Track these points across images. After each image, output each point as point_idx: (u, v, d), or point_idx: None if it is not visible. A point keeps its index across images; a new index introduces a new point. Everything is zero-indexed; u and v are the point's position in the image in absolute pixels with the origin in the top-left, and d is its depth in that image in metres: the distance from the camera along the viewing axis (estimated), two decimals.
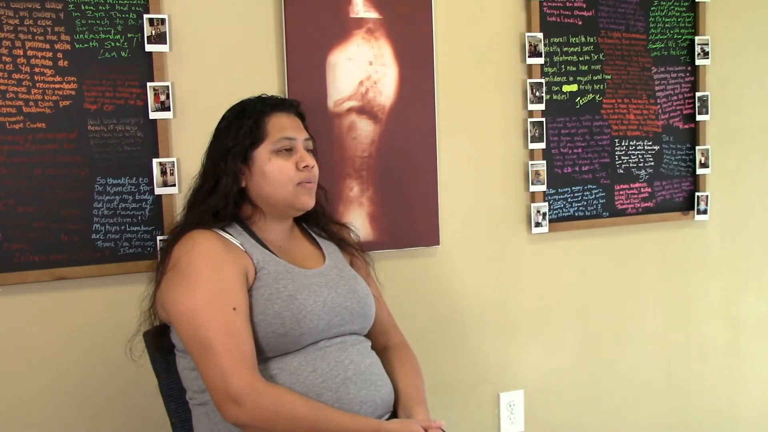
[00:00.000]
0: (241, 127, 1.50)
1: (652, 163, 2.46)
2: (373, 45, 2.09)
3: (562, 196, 2.35)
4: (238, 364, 1.32)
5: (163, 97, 1.89)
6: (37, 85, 1.81)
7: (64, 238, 1.84)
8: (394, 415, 1.53)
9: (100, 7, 1.84)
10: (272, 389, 1.34)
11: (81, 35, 1.83)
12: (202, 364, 1.35)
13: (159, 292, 1.46)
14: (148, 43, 1.87)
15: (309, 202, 1.55)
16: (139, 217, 1.90)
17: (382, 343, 1.65)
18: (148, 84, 1.88)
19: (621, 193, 2.43)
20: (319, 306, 1.45)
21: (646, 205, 2.47)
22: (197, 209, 1.51)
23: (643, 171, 2.46)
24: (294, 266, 1.49)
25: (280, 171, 1.49)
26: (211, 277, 1.38)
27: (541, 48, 2.27)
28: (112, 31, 1.86)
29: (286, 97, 1.95)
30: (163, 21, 1.88)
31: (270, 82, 2.00)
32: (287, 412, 1.32)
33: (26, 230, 1.81)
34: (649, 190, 2.47)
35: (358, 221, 2.08)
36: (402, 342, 1.68)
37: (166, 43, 1.89)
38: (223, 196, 1.49)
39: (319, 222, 1.66)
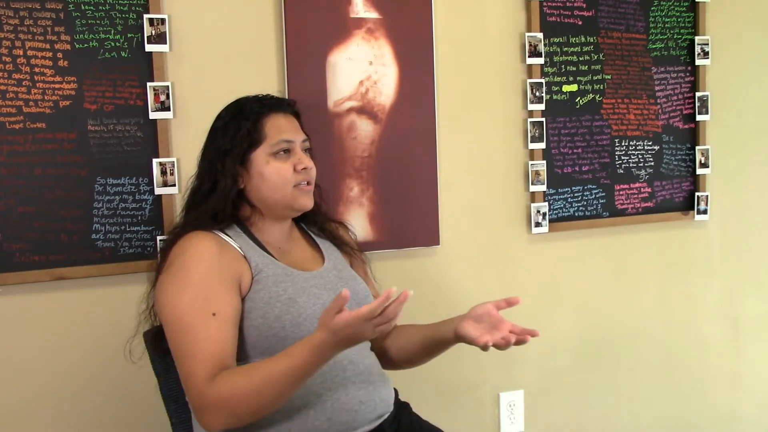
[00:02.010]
0: (239, 129, 1.50)
1: (652, 163, 2.46)
2: (373, 45, 2.09)
3: (562, 196, 2.35)
4: (197, 370, 1.30)
5: (163, 97, 1.89)
6: (37, 85, 1.81)
7: (64, 238, 1.84)
8: (395, 410, 1.53)
9: (100, 7, 1.84)
10: (213, 385, 1.29)
11: (81, 35, 1.83)
12: (178, 368, 1.36)
13: (154, 292, 1.46)
14: (148, 43, 1.87)
15: (308, 203, 1.55)
16: (139, 217, 1.90)
17: (383, 339, 1.65)
18: (148, 84, 1.88)
19: (621, 193, 2.43)
20: (319, 308, 1.44)
21: (646, 205, 2.47)
22: (196, 211, 1.51)
23: (643, 171, 2.46)
24: (293, 269, 1.49)
25: (278, 173, 1.49)
26: (199, 280, 1.37)
27: (541, 48, 2.27)
28: (112, 31, 1.86)
29: (286, 97, 1.95)
30: (163, 21, 1.88)
31: (270, 83, 2.00)
32: (232, 396, 1.28)
33: (26, 230, 1.81)
34: (649, 190, 2.47)
35: (358, 221, 2.08)
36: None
37: (166, 43, 1.89)
38: (222, 197, 1.49)
39: (316, 221, 1.66)
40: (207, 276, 1.38)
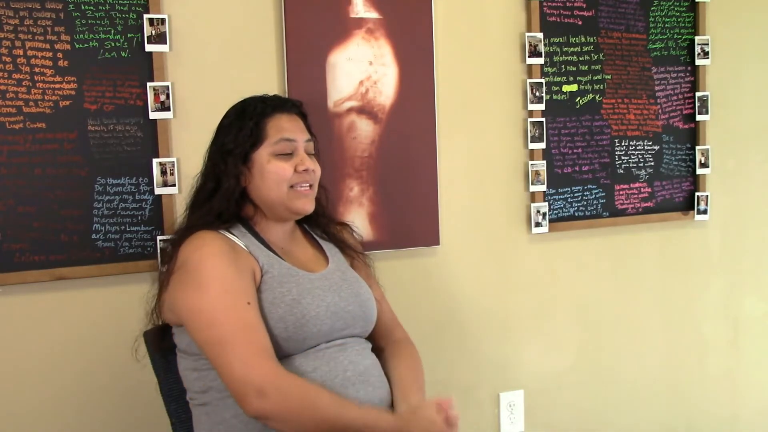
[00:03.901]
0: (242, 129, 1.50)
1: (652, 163, 2.46)
2: (373, 45, 2.09)
3: (562, 196, 2.35)
4: (259, 356, 1.31)
5: (163, 97, 1.89)
6: (37, 85, 1.81)
7: (64, 238, 1.84)
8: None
9: (100, 7, 1.84)
10: (297, 380, 1.34)
11: (81, 35, 1.83)
12: (219, 360, 1.33)
13: (166, 293, 1.45)
14: (148, 43, 1.87)
15: (306, 206, 1.54)
16: (139, 217, 1.90)
17: (385, 341, 1.65)
18: (148, 84, 1.88)
19: (621, 193, 2.43)
20: (323, 310, 1.44)
21: (646, 205, 2.47)
22: (200, 210, 1.51)
23: (643, 171, 2.46)
24: (298, 269, 1.49)
25: (277, 172, 1.49)
26: (223, 274, 1.37)
27: (541, 48, 2.27)
28: (112, 31, 1.86)
29: (287, 97, 1.95)
30: (163, 21, 1.88)
31: (270, 83, 2.00)
32: (312, 402, 1.31)
33: (26, 230, 1.81)
34: (649, 190, 2.47)
35: (358, 221, 2.08)
36: (404, 337, 1.68)
37: (166, 43, 1.89)
38: (226, 197, 1.49)
39: (320, 223, 1.66)
40: (229, 270, 1.38)
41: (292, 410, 1.31)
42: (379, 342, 1.63)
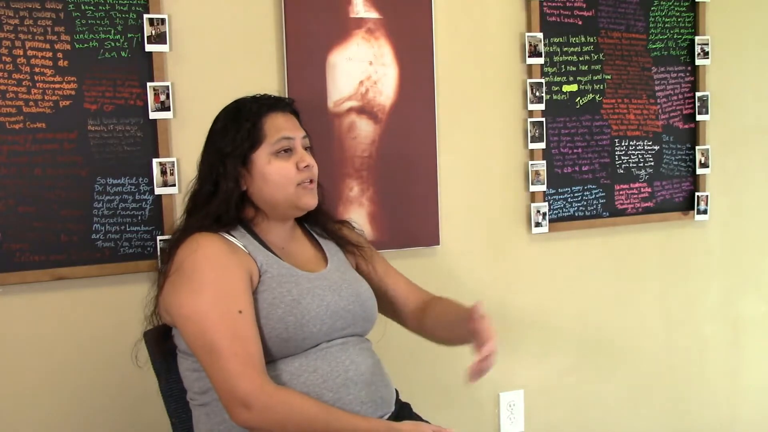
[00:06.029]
0: (239, 131, 1.48)
1: (652, 163, 2.46)
2: (373, 45, 2.09)
3: (562, 196, 2.35)
4: (245, 367, 1.31)
5: (163, 97, 1.89)
6: (37, 85, 1.81)
7: (64, 238, 1.84)
8: (396, 410, 1.53)
9: (100, 7, 1.84)
10: (282, 391, 1.34)
11: (81, 35, 1.83)
12: (209, 368, 1.34)
13: (162, 295, 1.45)
14: (148, 43, 1.87)
15: (312, 201, 1.54)
16: (139, 217, 1.90)
17: (415, 303, 1.69)
18: (148, 84, 1.88)
19: (621, 193, 2.43)
20: (323, 310, 1.44)
21: (646, 205, 2.47)
22: (198, 214, 1.49)
23: (643, 171, 2.46)
24: (297, 269, 1.48)
25: (281, 173, 1.49)
26: (217, 279, 1.37)
27: (541, 48, 2.27)
28: (112, 31, 1.86)
29: (286, 96, 1.95)
30: (163, 21, 1.88)
31: (270, 83, 2.00)
32: (297, 414, 1.32)
33: (26, 230, 1.81)
34: (649, 190, 2.47)
35: (358, 221, 2.07)
36: (435, 296, 1.71)
37: (166, 43, 1.89)
38: (225, 200, 1.47)
39: (319, 221, 1.66)
40: (223, 275, 1.38)
41: (277, 423, 1.31)
42: (409, 304, 1.68)
